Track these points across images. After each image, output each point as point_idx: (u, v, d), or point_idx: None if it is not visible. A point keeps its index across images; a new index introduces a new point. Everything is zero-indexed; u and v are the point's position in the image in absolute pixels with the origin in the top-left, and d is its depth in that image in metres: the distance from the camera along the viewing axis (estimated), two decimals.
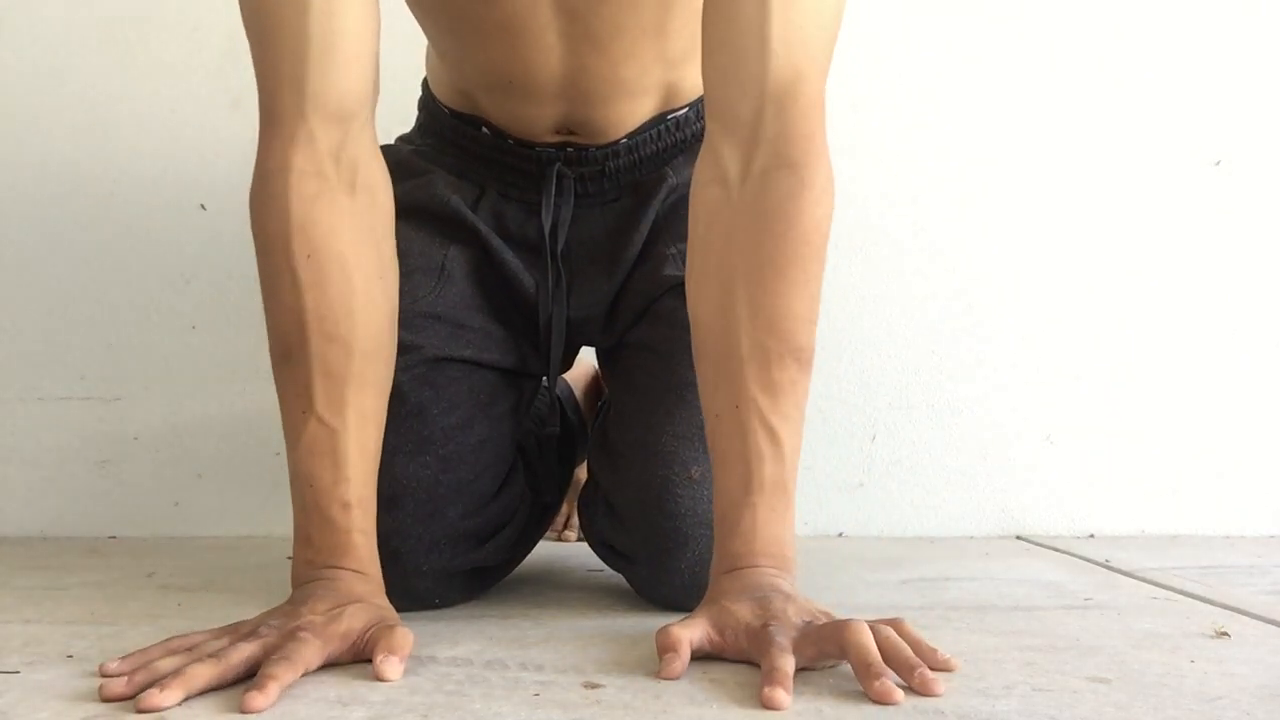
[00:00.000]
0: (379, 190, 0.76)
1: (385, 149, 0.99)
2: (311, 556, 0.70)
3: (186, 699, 0.57)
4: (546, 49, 0.88)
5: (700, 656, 0.66)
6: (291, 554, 0.73)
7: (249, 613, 0.70)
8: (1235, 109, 1.44)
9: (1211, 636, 0.78)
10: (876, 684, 0.59)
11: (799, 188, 0.72)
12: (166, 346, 1.39)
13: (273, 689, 0.57)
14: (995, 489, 1.42)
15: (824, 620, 0.65)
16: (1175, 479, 1.43)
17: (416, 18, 0.95)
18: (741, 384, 0.71)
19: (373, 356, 0.73)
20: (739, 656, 0.66)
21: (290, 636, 0.62)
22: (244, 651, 0.61)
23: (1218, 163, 1.44)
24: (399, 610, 0.86)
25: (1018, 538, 1.39)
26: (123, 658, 0.63)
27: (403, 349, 0.88)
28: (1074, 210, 1.43)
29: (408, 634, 0.65)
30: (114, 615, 0.84)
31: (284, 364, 0.72)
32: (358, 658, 0.65)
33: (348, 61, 0.73)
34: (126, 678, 0.59)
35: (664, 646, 0.64)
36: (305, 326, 0.71)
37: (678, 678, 0.63)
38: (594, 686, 0.62)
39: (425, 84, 1.02)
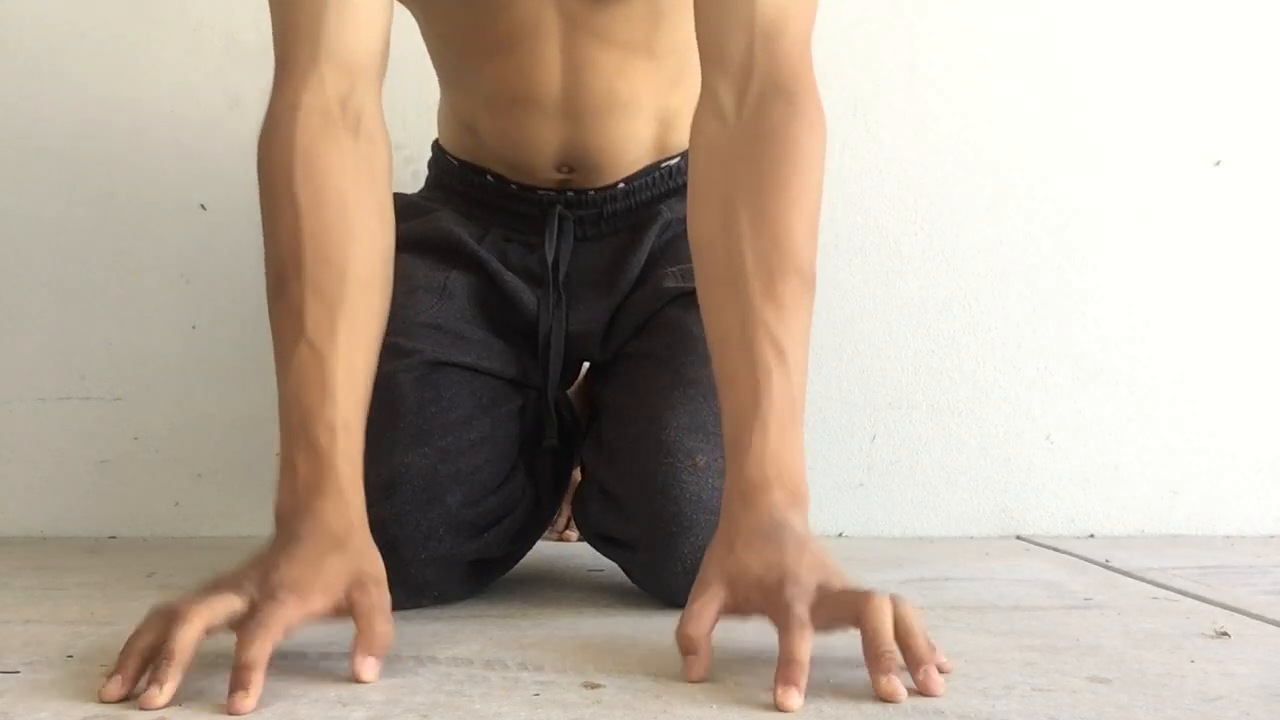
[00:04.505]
0: (380, 142, 0.78)
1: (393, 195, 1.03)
2: (294, 485, 0.68)
3: (182, 679, 0.57)
4: (548, 62, 0.92)
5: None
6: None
7: None
8: (1235, 109, 1.44)
9: (1211, 636, 0.78)
10: (884, 680, 0.58)
11: (793, 113, 0.75)
12: (166, 346, 1.39)
13: (255, 683, 0.57)
14: (995, 489, 1.42)
15: (838, 584, 0.64)
16: (1175, 479, 1.43)
17: (428, 44, 1.00)
18: (747, 299, 0.71)
19: (367, 286, 0.73)
20: (751, 612, 0.65)
21: (270, 596, 0.61)
22: (229, 601, 0.61)
23: (1218, 163, 1.44)
24: (399, 608, 0.86)
25: (1018, 538, 1.39)
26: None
27: (403, 353, 0.89)
28: (1074, 210, 1.43)
29: (387, 628, 0.64)
30: (114, 615, 0.84)
31: (278, 293, 0.72)
32: (339, 614, 0.64)
33: (360, 22, 0.77)
34: (119, 675, 0.58)
35: (685, 648, 0.64)
36: (300, 248, 0.71)
37: (702, 679, 0.62)
38: (594, 686, 0.62)
39: (435, 144, 1.07)
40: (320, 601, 0.63)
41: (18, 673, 0.63)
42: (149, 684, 0.57)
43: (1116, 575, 1.08)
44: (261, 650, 0.58)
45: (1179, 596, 0.95)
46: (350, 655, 0.63)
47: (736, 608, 0.65)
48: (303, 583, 0.63)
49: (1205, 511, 1.43)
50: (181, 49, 1.39)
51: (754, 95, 0.76)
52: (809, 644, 0.60)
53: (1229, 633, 0.79)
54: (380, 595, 0.65)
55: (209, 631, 0.60)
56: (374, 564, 0.67)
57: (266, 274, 0.73)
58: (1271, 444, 1.43)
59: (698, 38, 0.79)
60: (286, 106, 0.75)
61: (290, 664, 0.67)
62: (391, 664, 0.68)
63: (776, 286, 0.71)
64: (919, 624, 0.62)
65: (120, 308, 1.39)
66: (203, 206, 1.39)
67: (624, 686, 0.62)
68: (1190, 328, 1.44)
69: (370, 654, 0.63)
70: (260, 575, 0.63)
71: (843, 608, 0.62)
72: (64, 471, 1.38)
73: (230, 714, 0.55)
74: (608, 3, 0.90)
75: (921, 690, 0.59)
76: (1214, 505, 1.43)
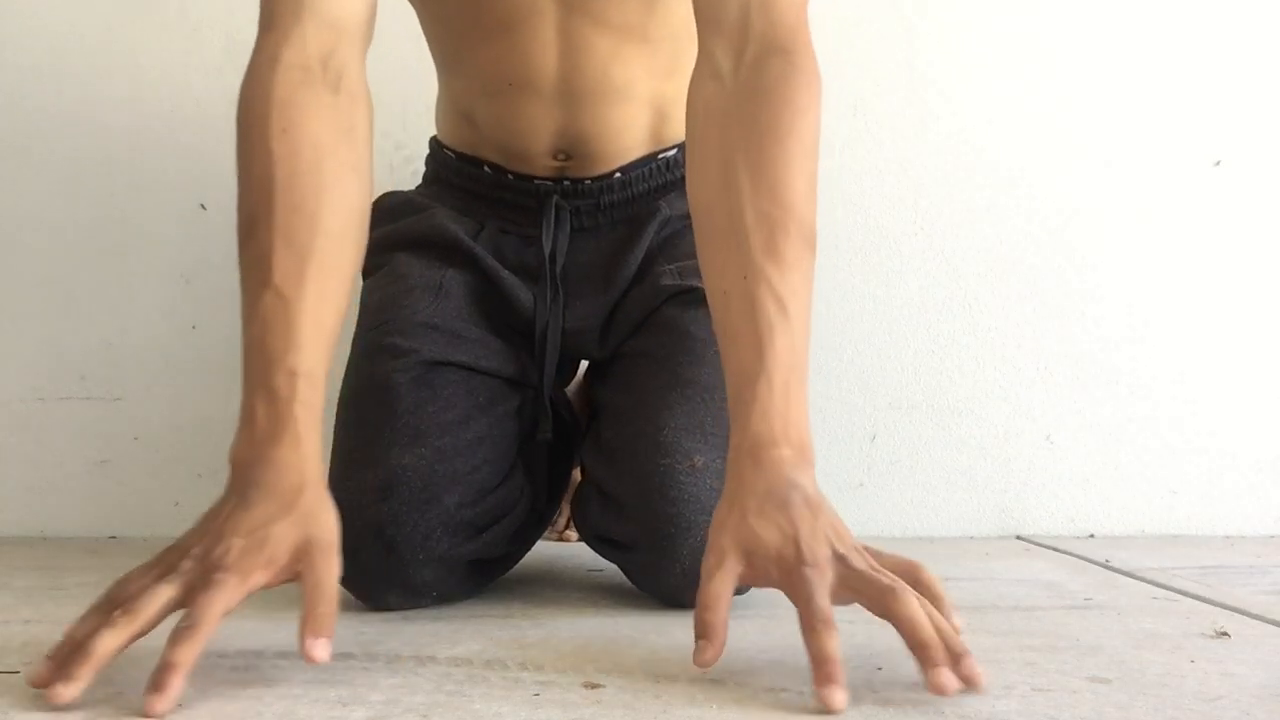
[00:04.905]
0: (361, 101, 0.77)
1: (389, 193, 1.04)
2: (252, 432, 0.67)
3: (96, 676, 0.57)
4: (544, 45, 0.93)
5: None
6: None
7: (247, 613, 0.70)
8: (1235, 109, 1.44)
9: (1211, 636, 0.78)
10: (934, 673, 0.57)
11: (790, 70, 0.75)
12: (166, 346, 1.39)
13: (174, 683, 0.56)
14: (995, 489, 1.42)
15: (856, 558, 0.63)
16: (1175, 479, 1.43)
17: (426, 29, 1.00)
18: (748, 254, 0.71)
19: (338, 238, 0.72)
20: (766, 585, 0.64)
21: (206, 581, 0.60)
22: (160, 599, 0.60)
23: (1218, 163, 1.44)
24: (399, 608, 0.87)
25: (1018, 538, 1.39)
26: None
27: (400, 353, 0.89)
28: (1074, 210, 1.43)
29: (330, 607, 0.62)
30: None
31: (248, 241, 0.71)
32: (283, 583, 0.63)
33: None
34: (49, 659, 0.58)
35: (701, 633, 0.62)
36: (272, 195, 0.70)
37: (709, 666, 0.61)
38: (594, 686, 0.62)
39: (432, 140, 1.07)
40: (262, 576, 0.62)
41: (17, 673, 0.63)
42: (59, 678, 0.57)
43: (1116, 575, 1.08)
44: (189, 653, 0.57)
45: (1179, 596, 0.95)
46: (299, 639, 0.60)
47: (753, 579, 0.64)
48: (246, 558, 0.61)
49: (1205, 511, 1.43)
50: (181, 49, 1.39)
51: (750, 56, 0.75)
52: (836, 639, 0.59)
53: (1229, 633, 0.79)
54: (325, 566, 0.63)
55: (137, 636, 0.59)
56: (323, 526, 0.65)
57: (238, 221, 0.72)
58: (1271, 444, 1.43)
59: (694, 5, 0.79)
60: (266, 60, 0.74)
61: (290, 664, 0.67)
62: (391, 664, 0.68)
63: (777, 242, 0.70)
64: (942, 617, 0.61)
65: (120, 308, 1.39)
66: (203, 206, 1.39)
67: (624, 686, 0.62)
68: (1190, 328, 1.44)
69: (318, 635, 0.60)
70: (204, 549, 0.62)
71: (864, 596, 0.61)
72: (64, 471, 1.37)
73: (144, 715, 0.55)
74: None
75: (968, 684, 0.58)
76: (1214, 505, 1.43)
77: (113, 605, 0.60)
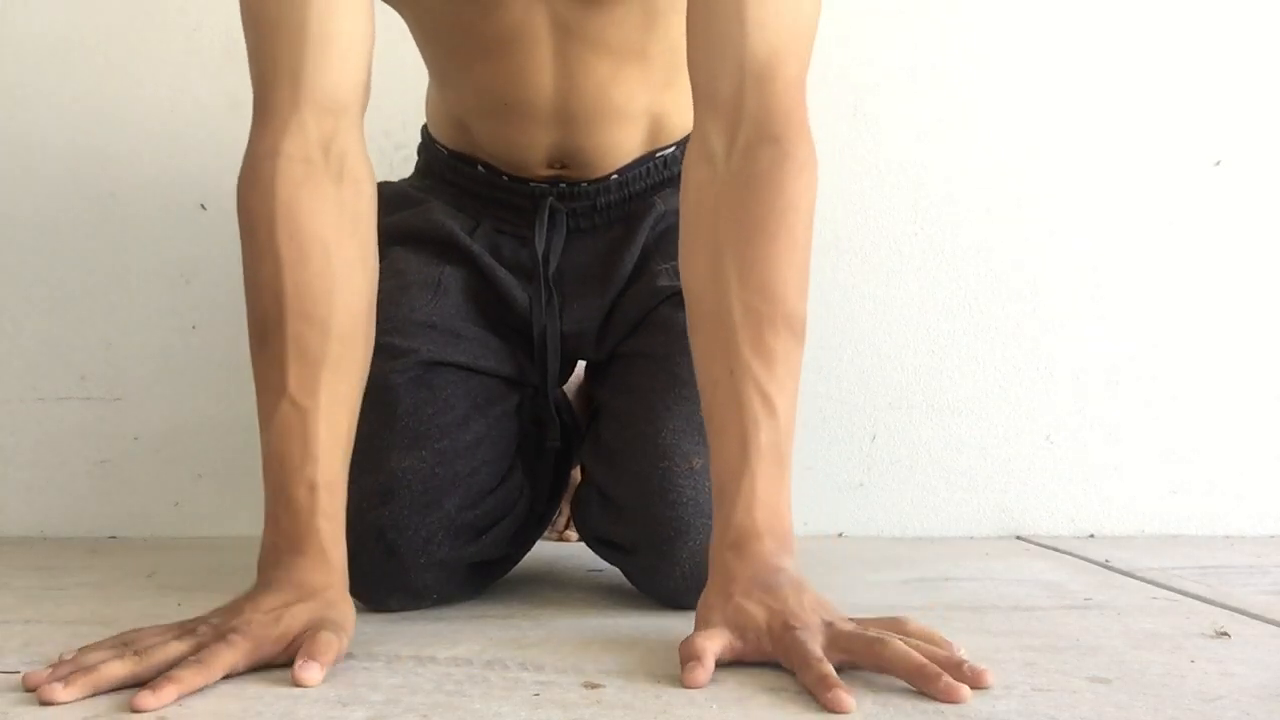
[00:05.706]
0: (364, 183, 0.77)
1: (383, 184, 1.04)
2: (276, 539, 0.69)
3: (91, 695, 0.58)
4: (540, 67, 0.91)
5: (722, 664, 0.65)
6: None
7: None
8: (1235, 109, 1.44)
9: (1211, 636, 0.78)
10: (941, 683, 0.59)
11: (782, 158, 0.74)
12: (166, 346, 1.39)
13: (168, 692, 0.57)
14: (995, 489, 1.42)
15: (843, 625, 0.65)
16: (1175, 479, 1.43)
17: (418, 43, 0.99)
18: (735, 349, 0.71)
19: (349, 340, 0.73)
20: (760, 659, 0.65)
21: (220, 638, 0.62)
22: (170, 651, 0.61)
23: (1218, 163, 1.44)
24: (399, 609, 0.87)
25: (1018, 538, 1.39)
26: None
27: (398, 353, 0.89)
28: (1074, 210, 1.43)
29: (331, 640, 0.64)
30: (114, 615, 0.84)
31: (261, 346, 0.72)
32: (290, 655, 0.64)
33: (343, 58, 0.75)
34: (52, 668, 0.60)
35: (686, 655, 0.64)
36: (284, 306, 0.71)
37: (701, 687, 0.62)
38: (594, 686, 0.62)
39: (424, 129, 1.06)
40: (271, 648, 0.64)
41: (17, 673, 0.63)
42: (58, 680, 0.58)
43: (1116, 575, 1.08)
44: (191, 679, 0.59)
45: (1179, 596, 0.95)
46: (295, 659, 0.62)
47: (747, 653, 0.65)
48: (262, 629, 0.64)
49: (1205, 511, 1.43)
50: (181, 49, 1.39)
51: (743, 140, 0.75)
52: (830, 667, 0.60)
53: (1229, 633, 0.79)
54: (333, 634, 0.65)
55: (137, 678, 0.60)
56: (341, 612, 0.67)
57: (249, 322, 0.73)
58: (1271, 444, 1.43)
59: (690, 76, 0.79)
60: (266, 153, 0.74)
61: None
62: (391, 664, 0.68)
63: (764, 338, 0.71)
64: (931, 645, 0.64)
65: (120, 308, 1.39)
66: (203, 206, 1.39)
67: (624, 686, 0.62)
68: (1190, 327, 1.44)
69: (313, 658, 0.62)
70: (223, 619, 0.65)
71: (856, 653, 0.63)
72: (64, 471, 1.38)
73: (131, 709, 0.56)
74: (600, 7, 0.89)
75: (971, 685, 0.60)
76: (1214, 505, 1.43)
77: (124, 647, 0.62)
